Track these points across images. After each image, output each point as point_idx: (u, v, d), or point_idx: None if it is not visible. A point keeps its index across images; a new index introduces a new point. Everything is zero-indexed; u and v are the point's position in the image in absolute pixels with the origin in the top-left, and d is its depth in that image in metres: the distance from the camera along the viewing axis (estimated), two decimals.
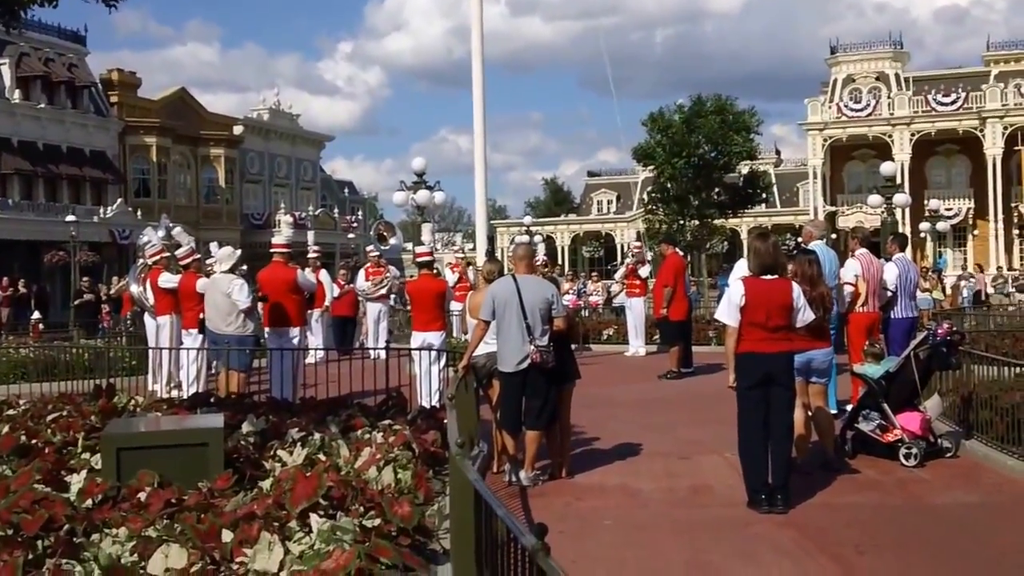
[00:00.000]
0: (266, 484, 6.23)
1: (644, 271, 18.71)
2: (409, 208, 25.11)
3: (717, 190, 51.37)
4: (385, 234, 19.56)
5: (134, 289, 14.24)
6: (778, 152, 75.20)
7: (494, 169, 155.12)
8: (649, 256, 20.02)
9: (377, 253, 19.30)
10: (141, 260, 14.20)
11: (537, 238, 47.58)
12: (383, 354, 12.08)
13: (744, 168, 52.67)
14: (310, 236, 19.82)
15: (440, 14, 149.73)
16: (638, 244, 21.11)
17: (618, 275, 20.80)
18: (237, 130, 57.40)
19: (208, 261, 12.47)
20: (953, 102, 55.28)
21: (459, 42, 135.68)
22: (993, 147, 53.58)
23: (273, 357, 11.41)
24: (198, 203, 54.45)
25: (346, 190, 72.72)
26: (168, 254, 13.30)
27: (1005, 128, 53.49)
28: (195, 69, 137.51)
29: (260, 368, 12.47)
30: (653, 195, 53.55)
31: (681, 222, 51.05)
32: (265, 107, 61.72)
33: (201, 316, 11.47)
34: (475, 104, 18.57)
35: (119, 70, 52.74)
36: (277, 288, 11.62)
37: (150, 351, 13.20)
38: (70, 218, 38.82)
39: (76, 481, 6.20)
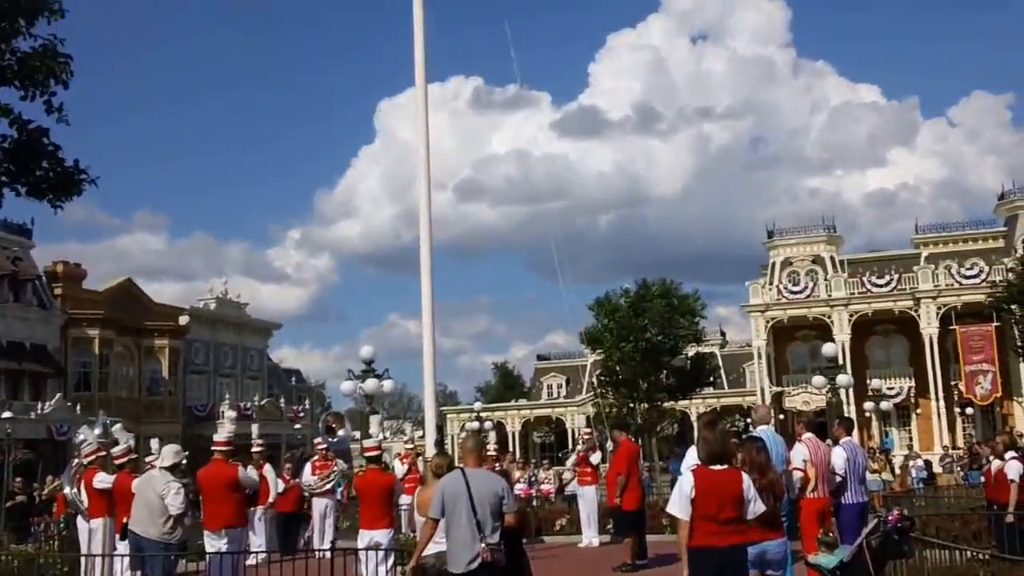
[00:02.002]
0: None
1: (595, 458, 18.53)
2: (357, 396, 24.88)
3: (665, 373, 51.89)
4: (334, 426, 19.26)
5: (68, 490, 13.74)
6: (723, 333, 76.59)
7: (444, 353, 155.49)
8: (610, 446, 19.91)
9: (325, 446, 18.94)
10: (76, 460, 13.77)
11: (487, 425, 47.29)
12: (329, 554, 11.66)
13: (691, 351, 53.42)
14: (254, 428, 19.43)
15: (389, 200, 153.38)
16: (588, 430, 21.01)
17: (569, 462, 20.61)
18: (183, 320, 57.25)
19: (147, 459, 12.11)
20: (887, 284, 57.08)
21: (407, 227, 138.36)
22: (929, 327, 55.05)
23: (212, 561, 10.94)
24: (140, 396, 53.57)
25: (293, 379, 72.28)
26: (104, 453, 12.91)
27: (939, 308, 55.13)
28: (142, 258, 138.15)
29: (199, 572, 11.94)
30: (602, 379, 53.93)
31: (631, 405, 51.26)
32: (212, 296, 61.79)
33: (125, 520, 10.92)
34: (423, 290, 18.64)
35: (64, 262, 52.89)
36: (217, 487, 11.26)
37: (83, 558, 12.61)
38: (6, 415, 37.79)
39: None
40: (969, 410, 53.67)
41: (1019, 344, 47.45)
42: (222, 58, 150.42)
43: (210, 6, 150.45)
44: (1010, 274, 49.10)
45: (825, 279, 58.50)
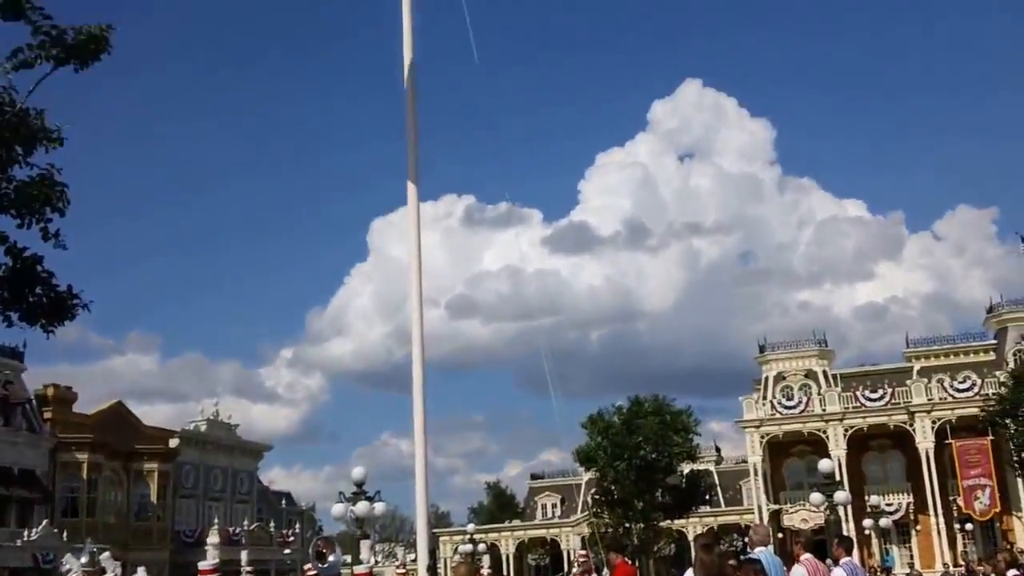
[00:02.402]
0: None
1: None
2: (348, 519, 24.43)
3: (661, 491, 51.23)
4: (324, 551, 18.82)
5: None
6: (718, 450, 75.95)
7: (437, 473, 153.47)
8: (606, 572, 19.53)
9: (315, 572, 18.52)
10: None
11: (481, 547, 46.41)
12: None
13: (686, 468, 52.89)
14: (244, 555, 19.01)
15: (381, 318, 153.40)
16: (583, 553, 20.74)
17: None
18: (173, 443, 56.55)
19: None
20: (881, 398, 56.96)
21: (399, 345, 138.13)
22: (924, 441, 54.71)
23: None
24: (128, 521, 52.47)
25: (283, 501, 70.95)
26: None
27: (933, 422, 54.89)
28: (134, 379, 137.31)
29: None
30: (597, 498, 53.16)
31: (627, 525, 50.39)
32: (203, 418, 61.20)
33: None
34: (415, 409, 18.45)
35: (55, 385, 52.52)
36: None
37: None
38: None
39: None
40: (969, 526, 52.87)
41: (1015, 459, 47.10)
42: (217, 170, 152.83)
43: (211, 120, 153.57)
44: (1002, 388, 49.07)
45: (819, 393, 58.40)
